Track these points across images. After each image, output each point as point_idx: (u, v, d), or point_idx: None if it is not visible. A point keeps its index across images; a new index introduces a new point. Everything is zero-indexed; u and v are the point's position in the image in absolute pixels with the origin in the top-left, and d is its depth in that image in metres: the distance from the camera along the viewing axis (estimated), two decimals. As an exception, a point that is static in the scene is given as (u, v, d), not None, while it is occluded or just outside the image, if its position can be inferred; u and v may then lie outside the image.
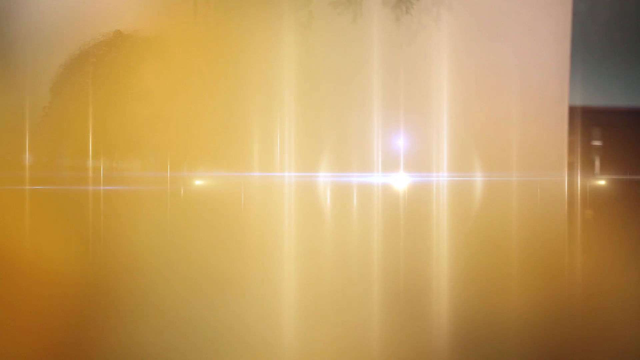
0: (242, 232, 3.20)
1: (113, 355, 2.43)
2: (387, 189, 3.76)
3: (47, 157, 2.47)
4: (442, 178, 3.81)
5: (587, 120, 5.39)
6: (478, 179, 3.89)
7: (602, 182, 5.35)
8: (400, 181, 3.73)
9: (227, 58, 3.50)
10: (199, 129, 2.67)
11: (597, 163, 5.43)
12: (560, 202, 4.00)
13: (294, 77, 3.55)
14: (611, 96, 5.40)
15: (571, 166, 4.72)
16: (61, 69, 2.42)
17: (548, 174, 3.97)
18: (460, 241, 3.24)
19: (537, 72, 3.95)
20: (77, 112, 2.28)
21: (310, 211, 2.71)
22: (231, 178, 3.59)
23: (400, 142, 3.78)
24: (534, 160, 3.94)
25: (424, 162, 3.80)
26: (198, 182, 2.63)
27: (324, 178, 3.67)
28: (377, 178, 3.74)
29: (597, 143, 5.44)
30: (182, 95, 2.62)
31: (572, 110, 4.09)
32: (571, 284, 4.25)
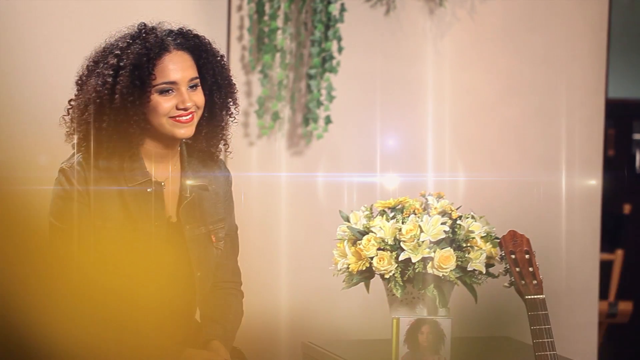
0: None
1: None
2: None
3: None
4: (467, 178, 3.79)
5: (626, 113, 5.34)
6: (512, 178, 3.86)
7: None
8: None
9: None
10: None
11: (638, 157, 5.37)
12: (594, 198, 3.96)
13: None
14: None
15: (608, 160, 4.66)
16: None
17: (582, 169, 3.93)
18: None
19: (573, 64, 3.91)
20: None
21: None
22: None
23: (442, 139, 3.77)
24: (569, 154, 3.90)
25: (451, 160, 3.78)
26: None
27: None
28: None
29: (638, 137, 5.38)
30: None
31: (610, 103, 4.05)
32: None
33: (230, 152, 2.61)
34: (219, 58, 2.46)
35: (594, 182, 3.95)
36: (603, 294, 4.73)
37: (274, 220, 3.62)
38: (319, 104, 3.53)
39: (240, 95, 3.51)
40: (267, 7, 3.49)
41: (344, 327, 3.63)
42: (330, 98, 3.54)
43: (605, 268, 4.75)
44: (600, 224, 3.97)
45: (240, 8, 3.53)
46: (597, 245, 3.97)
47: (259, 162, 3.60)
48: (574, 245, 3.94)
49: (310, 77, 3.52)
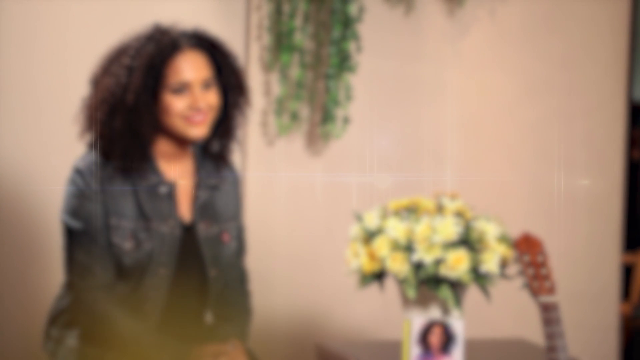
0: None
1: None
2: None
3: None
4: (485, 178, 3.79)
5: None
6: (532, 179, 3.84)
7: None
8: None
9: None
10: None
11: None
12: (614, 199, 3.94)
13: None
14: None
15: (635, 161, 4.62)
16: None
17: (603, 170, 3.91)
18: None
19: (593, 65, 3.89)
20: None
21: None
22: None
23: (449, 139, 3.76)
24: (589, 155, 3.88)
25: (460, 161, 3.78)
26: None
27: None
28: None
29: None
30: None
31: (636, 105, 4.02)
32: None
33: (244, 153, 2.60)
34: (232, 59, 2.46)
35: (614, 183, 3.93)
36: (626, 296, 4.70)
37: (291, 219, 3.62)
38: (337, 103, 3.53)
39: (258, 95, 3.54)
40: (285, 7, 3.49)
41: (358, 328, 3.63)
42: (349, 98, 3.54)
43: (630, 270, 4.71)
44: (623, 226, 3.95)
45: (259, 7, 3.53)
46: (618, 247, 3.95)
47: (277, 161, 3.60)
48: (594, 247, 3.92)
49: (328, 76, 3.52)
